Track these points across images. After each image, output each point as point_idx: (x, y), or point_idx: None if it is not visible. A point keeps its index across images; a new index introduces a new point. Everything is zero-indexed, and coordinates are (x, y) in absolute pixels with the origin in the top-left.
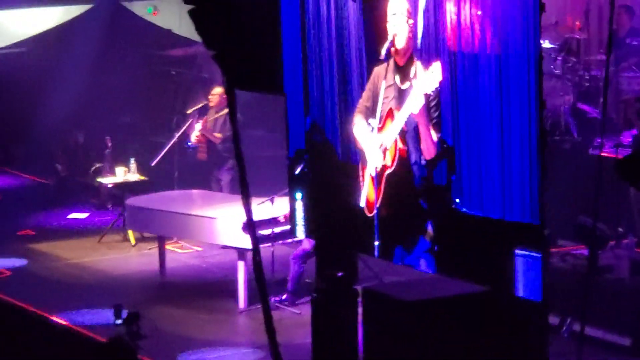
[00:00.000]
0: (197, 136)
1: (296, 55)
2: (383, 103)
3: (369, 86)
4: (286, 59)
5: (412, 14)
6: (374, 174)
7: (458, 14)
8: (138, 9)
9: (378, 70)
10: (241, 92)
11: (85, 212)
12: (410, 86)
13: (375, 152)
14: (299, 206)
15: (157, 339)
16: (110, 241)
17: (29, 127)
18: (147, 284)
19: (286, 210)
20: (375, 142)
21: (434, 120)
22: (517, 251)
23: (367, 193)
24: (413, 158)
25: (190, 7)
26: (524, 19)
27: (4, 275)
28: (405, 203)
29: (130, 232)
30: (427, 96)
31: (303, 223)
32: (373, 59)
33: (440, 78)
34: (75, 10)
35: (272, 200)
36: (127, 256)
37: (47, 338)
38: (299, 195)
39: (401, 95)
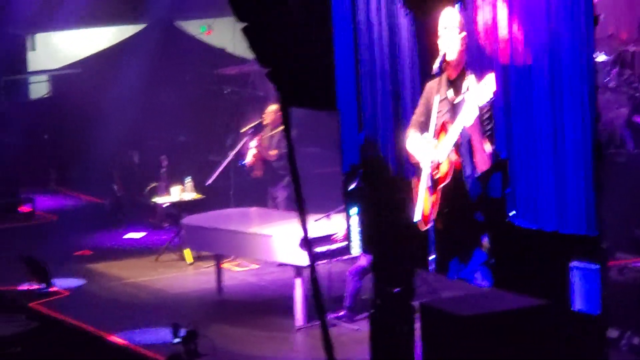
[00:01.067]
0: (253, 154)
1: (349, 70)
2: (436, 117)
3: (422, 101)
4: (339, 74)
5: (464, 27)
6: (428, 188)
7: (510, 27)
8: (191, 28)
9: (431, 84)
10: (295, 109)
11: (141, 231)
12: (463, 99)
13: (429, 166)
14: (354, 222)
15: (215, 357)
16: (166, 260)
17: (85, 148)
18: (205, 302)
19: (343, 230)
20: (429, 155)
21: (487, 133)
22: (573, 263)
23: (422, 207)
24: (467, 171)
25: (243, 24)
26: (577, 31)
27: (62, 295)
28: (461, 216)
29: (186, 251)
30: (480, 108)
31: (359, 239)
32: (425, 73)
33: (494, 89)
34: (128, 30)
35: (328, 217)
36: (184, 275)
37: (105, 358)
38: (353, 211)
39: (454, 109)
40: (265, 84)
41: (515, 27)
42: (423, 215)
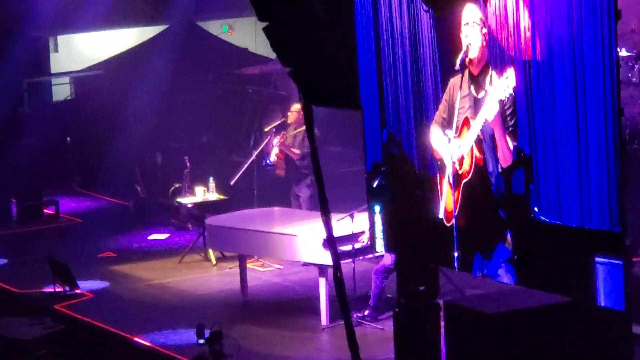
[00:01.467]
0: (276, 153)
1: (371, 68)
2: (459, 113)
3: (445, 97)
4: (361, 73)
5: (486, 23)
6: (451, 183)
7: (531, 22)
8: (213, 28)
9: (454, 81)
10: (318, 108)
11: (165, 232)
12: (486, 94)
13: (452, 161)
14: (378, 220)
15: (239, 358)
16: (191, 261)
17: (108, 150)
18: (229, 303)
19: (366, 229)
20: (452, 150)
21: (510, 129)
22: (597, 259)
23: (445, 202)
24: (490, 167)
25: (265, 24)
26: (599, 26)
27: (86, 297)
28: (484, 212)
29: (210, 252)
30: (502, 104)
31: (382, 237)
32: (447, 69)
33: (514, 84)
34: (150, 31)
35: (351, 216)
36: (208, 276)
37: (131, 359)
38: (377, 209)
39: (477, 105)
40: (288, 83)
41: (536, 23)
42: (446, 212)
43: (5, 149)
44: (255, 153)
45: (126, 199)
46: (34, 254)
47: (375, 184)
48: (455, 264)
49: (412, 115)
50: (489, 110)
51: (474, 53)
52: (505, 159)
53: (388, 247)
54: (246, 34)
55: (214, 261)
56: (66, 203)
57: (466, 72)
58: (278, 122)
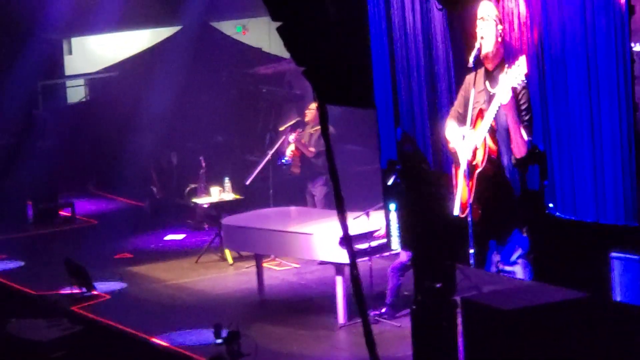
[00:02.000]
0: (292, 150)
1: (385, 67)
2: (473, 108)
3: (461, 92)
4: (375, 71)
5: (502, 19)
6: (465, 174)
7: (545, 18)
8: (227, 28)
9: (469, 77)
10: (334, 106)
11: (181, 233)
12: (499, 86)
13: (466, 151)
14: (394, 217)
15: (257, 357)
16: (207, 261)
17: (123, 151)
18: (246, 302)
19: (382, 227)
20: (466, 141)
21: (525, 123)
22: (613, 254)
23: (460, 194)
24: (504, 160)
25: (278, 24)
26: (612, 21)
27: (103, 298)
28: (498, 204)
29: (227, 252)
30: (516, 95)
31: (398, 234)
32: (461, 67)
33: (525, 70)
34: (164, 32)
35: (367, 214)
36: (225, 275)
37: None
38: (393, 207)
39: (491, 99)
40: (302, 82)
41: (549, 18)
42: (461, 203)
43: (21, 151)
44: (271, 152)
45: (142, 200)
46: (51, 256)
47: (390, 182)
48: (471, 260)
49: (426, 113)
50: (503, 95)
51: (488, 47)
52: (519, 149)
53: (404, 245)
54: (260, 33)
55: (230, 261)
56: (82, 205)
57: (481, 69)
58: (293, 122)
